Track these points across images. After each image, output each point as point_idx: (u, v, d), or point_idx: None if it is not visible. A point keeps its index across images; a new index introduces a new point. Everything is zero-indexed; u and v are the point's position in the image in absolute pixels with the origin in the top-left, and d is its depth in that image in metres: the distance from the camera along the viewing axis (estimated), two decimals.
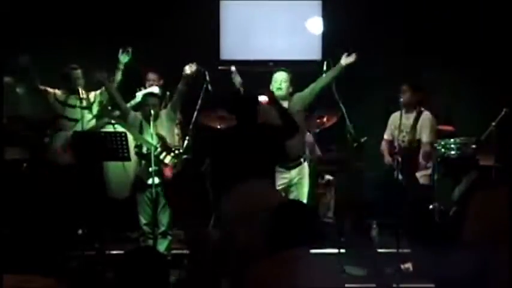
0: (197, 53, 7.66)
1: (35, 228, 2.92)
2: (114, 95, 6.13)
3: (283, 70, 6.06)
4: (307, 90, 6.05)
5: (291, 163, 5.95)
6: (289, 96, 6.03)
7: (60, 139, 6.41)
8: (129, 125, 6.04)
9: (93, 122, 6.50)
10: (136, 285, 2.70)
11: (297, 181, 5.97)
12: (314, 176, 6.65)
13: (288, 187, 5.97)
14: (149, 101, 6.02)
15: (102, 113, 6.44)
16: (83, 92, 6.45)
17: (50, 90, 6.51)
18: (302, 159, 6.03)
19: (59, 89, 6.56)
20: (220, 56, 8.11)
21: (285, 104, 6.01)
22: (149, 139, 5.86)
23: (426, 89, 6.15)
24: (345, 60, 6.03)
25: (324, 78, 6.06)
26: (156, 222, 5.95)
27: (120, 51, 6.38)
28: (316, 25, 7.48)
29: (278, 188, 5.89)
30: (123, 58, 6.37)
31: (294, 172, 5.97)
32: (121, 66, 6.36)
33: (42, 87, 6.48)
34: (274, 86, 6.01)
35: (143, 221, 6.02)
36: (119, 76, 6.37)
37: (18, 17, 7.21)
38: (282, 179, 5.93)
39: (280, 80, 5.99)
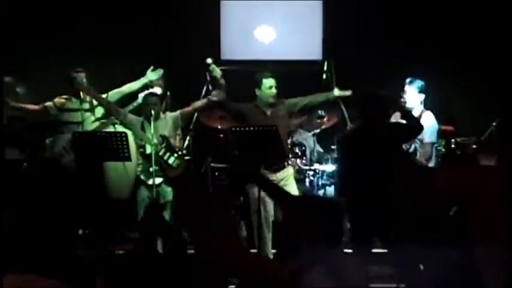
0: (197, 53, 7.67)
1: (36, 229, 2.92)
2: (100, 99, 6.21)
3: (271, 76, 6.09)
4: (293, 102, 6.15)
5: (275, 166, 6.00)
6: (276, 100, 6.07)
7: (62, 142, 6.38)
8: (130, 124, 6.07)
9: (96, 124, 6.46)
10: (136, 285, 2.69)
11: (284, 182, 6.00)
12: None
13: None
14: (149, 100, 6.03)
15: (110, 111, 6.37)
16: (86, 95, 6.40)
17: (49, 103, 6.46)
18: (286, 163, 6.10)
19: (59, 95, 6.53)
20: (221, 56, 8.10)
21: (270, 109, 6.04)
22: (150, 139, 5.87)
23: (427, 90, 6.14)
24: (339, 92, 6.19)
25: (312, 100, 6.18)
26: None
27: (152, 68, 6.37)
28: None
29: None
30: (152, 75, 6.35)
31: (279, 174, 6.02)
32: (145, 80, 6.34)
33: (39, 106, 6.44)
34: (266, 92, 6.03)
35: None
36: (137, 85, 6.35)
37: (19, 19, 7.20)
38: None
39: (273, 86, 6.04)
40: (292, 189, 6.00)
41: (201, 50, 7.75)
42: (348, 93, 6.19)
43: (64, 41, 7.40)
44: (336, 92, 6.20)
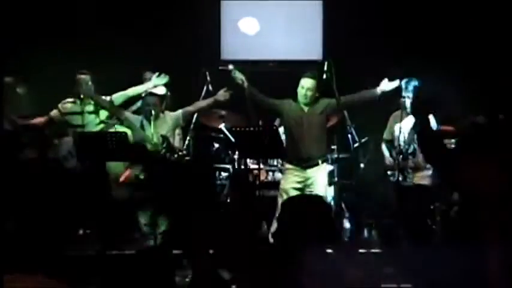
0: (198, 53, 7.68)
1: (36, 228, 2.93)
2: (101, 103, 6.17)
3: (311, 77, 5.96)
4: (335, 103, 5.99)
5: (306, 163, 5.95)
6: (314, 100, 6.01)
7: (67, 145, 6.37)
8: (131, 123, 6.08)
9: (101, 126, 6.43)
10: (142, 285, 2.70)
11: (312, 181, 5.95)
12: None
13: (304, 187, 5.94)
14: (149, 100, 6.03)
15: (112, 112, 6.35)
16: (91, 96, 6.37)
17: (53, 112, 6.42)
18: (320, 160, 6.00)
19: (60, 96, 6.50)
20: (221, 55, 8.11)
21: (307, 106, 6.01)
22: (150, 139, 5.88)
23: (427, 90, 6.14)
24: (385, 86, 5.98)
25: (356, 100, 6.06)
26: (156, 222, 5.96)
27: (157, 73, 6.34)
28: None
29: (292, 186, 5.90)
30: (157, 81, 6.33)
31: (309, 172, 5.96)
32: (150, 85, 6.30)
33: (43, 118, 6.41)
34: (300, 92, 5.97)
35: (143, 221, 6.03)
36: (142, 89, 6.32)
37: (19, 18, 7.20)
38: (296, 177, 5.94)
39: (306, 88, 5.96)
40: (318, 189, 5.90)
41: (202, 50, 7.77)
42: (396, 84, 5.95)
43: (64, 41, 7.39)
44: (382, 86, 5.98)
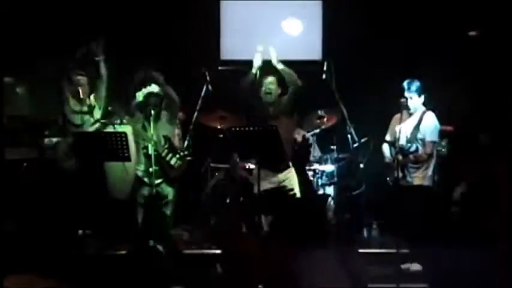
0: (197, 53, 7.69)
1: (36, 229, 2.94)
2: None
3: (272, 74, 5.97)
4: (293, 90, 6.04)
5: (277, 166, 5.94)
6: (277, 99, 5.99)
7: (63, 147, 6.36)
8: (134, 121, 6.08)
9: (96, 125, 6.43)
10: (138, 284, 2.70)
11: (286, 183, 5.92)
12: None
13: None
14: (150, 101, 6.04)
15: (114, 110, 6.36)
16: (85, 97, 6.37)
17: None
18: (290, 163, 5.97)
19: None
20: (221, 56, 8.11)
21: (271, 108, 5.99)
22: (150, 139, 5.89)
23: (428, 90, 6.15)
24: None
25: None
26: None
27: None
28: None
29: None
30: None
31: (281, 175, 5.96)
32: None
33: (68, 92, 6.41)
34: (262, 90, 5.95)
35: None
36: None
37: (19, 19, 7.20)
38: (269, 184, 5.90)
39: (269, 83, 5.93)
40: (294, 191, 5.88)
41: (202, 50, 7.78)
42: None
43: (62, 41, 7.39)
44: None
